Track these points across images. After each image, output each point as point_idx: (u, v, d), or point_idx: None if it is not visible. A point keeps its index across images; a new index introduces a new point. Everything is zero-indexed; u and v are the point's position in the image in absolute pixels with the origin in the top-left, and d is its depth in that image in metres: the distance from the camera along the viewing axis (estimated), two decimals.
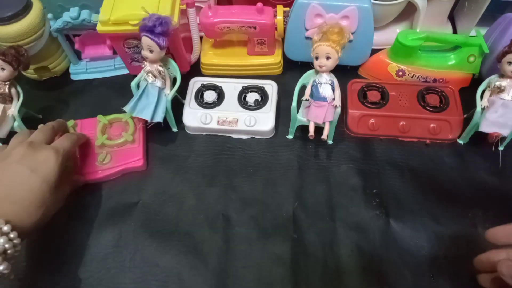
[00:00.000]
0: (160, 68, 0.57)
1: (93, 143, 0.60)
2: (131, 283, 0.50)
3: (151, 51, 0.54)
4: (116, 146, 0.60)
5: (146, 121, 0.59)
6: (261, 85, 0.65)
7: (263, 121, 0.61)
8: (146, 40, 0.53)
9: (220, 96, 0.64)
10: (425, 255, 0.51)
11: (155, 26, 0.52)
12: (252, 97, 0.64)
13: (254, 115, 0.62)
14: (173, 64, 0.59)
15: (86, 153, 0.60)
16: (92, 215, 0.56)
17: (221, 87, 0.65)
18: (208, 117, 0.62)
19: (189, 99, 0.64)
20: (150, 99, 0.56)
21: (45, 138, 0.52)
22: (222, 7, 0.63)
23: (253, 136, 0.63)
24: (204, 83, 0.66)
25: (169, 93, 0.58)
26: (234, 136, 0.63)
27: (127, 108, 0.56)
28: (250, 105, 0.63)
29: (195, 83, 0.66)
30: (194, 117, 0.62)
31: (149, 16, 0.52)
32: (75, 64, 0.72)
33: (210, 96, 0.64)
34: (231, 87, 0.65)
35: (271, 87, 0.65)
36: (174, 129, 0.64)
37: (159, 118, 0.57)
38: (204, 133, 0.63)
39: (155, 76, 0.57)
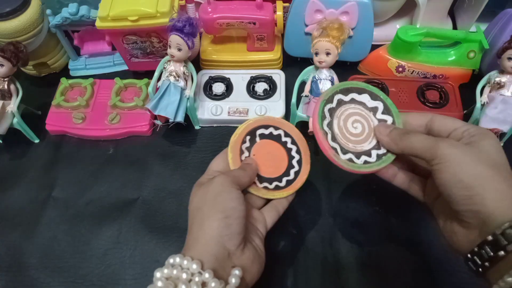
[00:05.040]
0: (184, 69, 0.58)
1: (106, 103, 0.64)
2: (131, 279, 0.51)
3: (179, 49, 0.55)
4: (126, 108, 0.63)
5: (166, 120, 0.59)
6: (269, 75, 0.65)
7: (274, 109, 0.62)
8: (175, 39, 0.54)
9: (229, 87, 0.65)
10: (424, 250, 0.51)
11: (185, 26, 0.53)
12: (260, 86, 0.65)
13: (264, 104, 0.62)
14: (189, 63, 0.60)
15: (98, 112, 0.64)
16: (92, 211, 0.56)
17: (229, 78, 0.66)
18: (218, 108, 0.62)
19: (198, 92, 0.64)
20: (172, 98, 0.57)
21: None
22: (222, 2, 0.62)
23: None
24: (212, 75, 0.66)
25: (190, 93, 0.58)
26: None
27: (149, 106, 0.57)
28: (259, 95, 0.64)
29: (203, 75, 0.66)
30: (205, 109, 0.62)
31: (179, 16, 0.54)
32: (74, 60, 0.72)
33: (218, 88, 0.65)
34: (239, 78, 0.65)
35: (278, 76, 0.65)
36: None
37: (180, 117, 0.57)
38: (214, 125, 0.64)
39: (178, 76, 0.57)
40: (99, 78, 0.69)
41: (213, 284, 0.33)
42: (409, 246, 0.51)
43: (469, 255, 0.33)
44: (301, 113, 0.58)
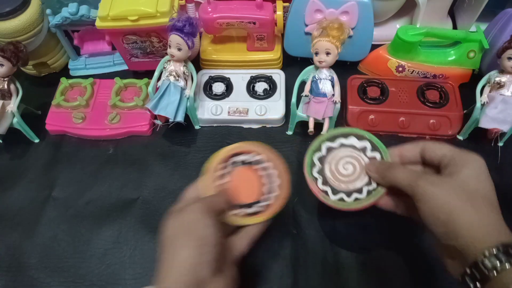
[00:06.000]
0: (184, 69, 0.58)
1: (106, 102, 0.64)
2: (131, 279, 0.50)
3: (179, 49, 0.55)
4: (126, 108, 0.63)
5: (166, 120, 0.59)
6: (269, 74, 0.65)
7: (273, 109, 0.62)
8: (175, 38, 0.54)
9: (229, 87, 0.65)
10: (425, 250, 0.51)
11: (185, 26, 0.53)
12: (260, 86, 0.65)
13: (264, 104, 0.62)
14: (189, 63, 0.60)
15: (98, 111, 0.64)
16: (92, 211, 0.56)
17: (229, 78, 0.66)
18: (218, 108, 0.62)
19: (198, 92, 0.64)
20: (172, 98, 0.57)
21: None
22: (222, 2, 0.62)
23: (264, 125, 0.63)
24: (212, 75, 0.66)
25: (190, 93, 0.58)
26: (245, 126, 0.63)
27: (149, 105, 0.57)
28: (259, 95, 0.64)
29: (203, 75, 0.66)
30: (205, 109, 0.62)
31: (179, 16, 0.53)
32: (74, 60, 0.72)
33: (218, 87, 0.65)
34: (239, 78, 0.65)
35: (278, 76, 0.65)
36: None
37: (180, 117, 0.57)
38: (214, 125, 0.64)
39: (178, 76, 0.57)
40: (99, 78, 0.69)
41: None
42: (409, 246, 0.51)
43: (460, 281, 0.34)
44: (301, 113, 0.58)
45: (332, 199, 0.44)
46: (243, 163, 0.46)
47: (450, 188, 0.35)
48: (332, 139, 0.47)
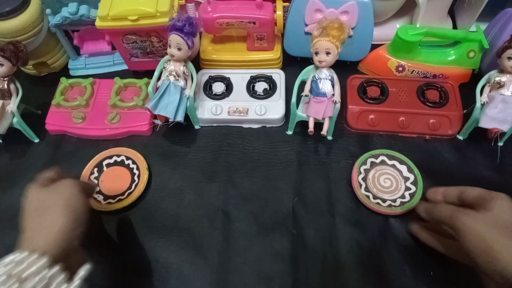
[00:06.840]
0: (184, 69, 0.58)
1: (106, 102, 0.64)
2: (131, 279, 0.50)
3: (179, 49, 0.55)
4: (126, 108, 0.63)
5: (166, 120, 0.59)
6: (269, 74, 0.65)
7: (273, 109, 0.62)
8: (175, 38, 0.54)
9: (229, 87, 0.65)
10: (424, 250, 0.51)
11: (184, 26, 0.53)
12: (260, 86, 0.65)
13: (264, 103, 0.62)
14: (189, 63, 0.60)
15: (98, 111, 0.64)
16: None
17: (229, 78, 0.66)
18: (218, 108, 0.62)
19: (198, 92, 0.64)
20: (172, 98, 0.57)
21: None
22: (222, 2, 0.62)
23: (264, 125, 0.63)
24: (212, 75, 0.66)
25: (190, 93, 0.58)
26: (245, 126, 0.63)
27: (149, 105, 0.57)
28: (259, 94, 0.64)
29: (203, 75, 0.66)
30: (205, 109, 0.62)
31: (179, 16, 0.53)
32: (74, 60, 0.72)
33: (218, 87, 0.65)
34: (239, 78, 0.65)
35: (278, 76, 0.65)
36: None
37: (180, 117, 0.57)
38: (214, 125, 0.64)
39: (178, 76, 0.57)
40: (99, 77, 0.68)
41: (61, 277, 0.37)
42: (409, 246, 0.51)
43: None
44: (301, 112, 0.58)
45: (362, 192, 0.55)
46: (111, 164, 0.59)
47: (486, 221, 0.42)
48: (390, 157, 0.58)
